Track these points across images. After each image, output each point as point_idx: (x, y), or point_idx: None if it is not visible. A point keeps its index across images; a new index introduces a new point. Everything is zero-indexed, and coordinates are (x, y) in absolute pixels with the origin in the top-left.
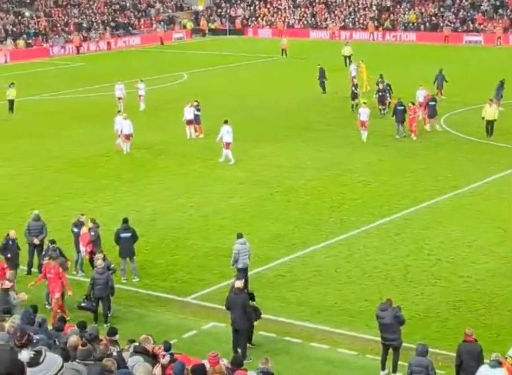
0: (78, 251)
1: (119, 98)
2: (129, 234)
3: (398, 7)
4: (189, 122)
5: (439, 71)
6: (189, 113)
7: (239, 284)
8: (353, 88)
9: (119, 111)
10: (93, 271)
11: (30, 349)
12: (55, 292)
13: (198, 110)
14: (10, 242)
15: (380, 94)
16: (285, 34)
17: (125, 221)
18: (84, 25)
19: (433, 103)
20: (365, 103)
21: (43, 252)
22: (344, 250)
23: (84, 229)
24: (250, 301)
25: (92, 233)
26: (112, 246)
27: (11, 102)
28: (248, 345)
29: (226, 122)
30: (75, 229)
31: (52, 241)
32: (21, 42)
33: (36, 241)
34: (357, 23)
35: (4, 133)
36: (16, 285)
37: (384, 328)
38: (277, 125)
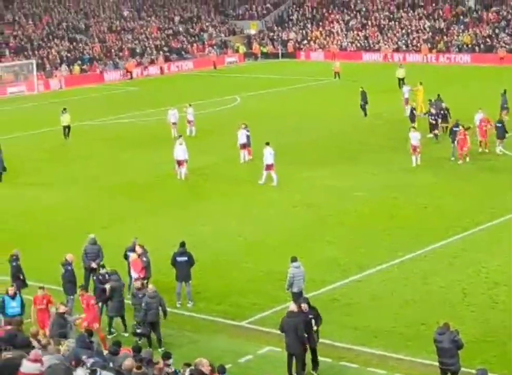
0: (131, 276)
1: (173, 123)
2: (185, 258)
3: (452, 28)
4: (243, 146)
5: (503, 91)
6: (242, 136)
7: (293, 307)
8: (411, 110)
9: (180, 136)
10: (145, 296)
11: (86, 368)
12: (94, 323)
13: (247, 132)
14: (69, 267)
15: (432, 117)
16: (338, 56)
17: (182, 244)
18: (138, 50)
19: (500, 125)
20: (414, 127)
21: (95, 277)
22: (400, 273)
23: (134, 256)
24: (314, 323)
25: (144, 259)
26: (167, 270)
27: (66, 128)
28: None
29: (267, 144)
30: (130, 254)
31: (102, 266)
32: (75, 68)
33: (94, 265)
34: (410, 45)
35: (59, 157)
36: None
37: (442, 353)
38: (330, 147)
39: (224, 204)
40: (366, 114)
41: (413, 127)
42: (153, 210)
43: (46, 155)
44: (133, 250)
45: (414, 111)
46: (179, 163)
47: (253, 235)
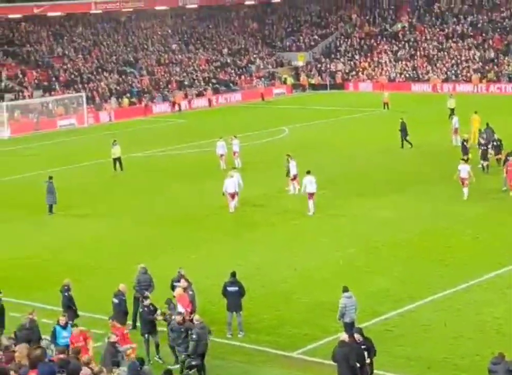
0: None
1: (221, 155)
2: (236, 288)
3: (502, 58)
4: (294, 177)
5: None
6: (293, 168)
7: (344, 336)
8: (463, 142)
9: (234, 168)
10: (194, 328)
11: None
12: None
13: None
14: (122, 297)
15: (483, 148)
16: (387, 87)
17: (233, 274)
18: (186, 82)
19: None
20: (463, 159)
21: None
22: (453, 304)
23: (180, 290)
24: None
25: (190, 292)
26: (218, 300)
27: (117, 160)
28: None
29: (308, 172)
30: (176, 285)
31: (146, 297)
32: (124, 101)
33: (147, 294)
34: (460, 75)
35: (110, 189)
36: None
37: None
38: (380, 178)
39: (274, 235)
40: (403, 146)
41: (463, 159)
42: (203, 241)
43: (97, 187)
44: (178, 281)
45: (465, 143)
46: (231, 195)
47: (303, 266)
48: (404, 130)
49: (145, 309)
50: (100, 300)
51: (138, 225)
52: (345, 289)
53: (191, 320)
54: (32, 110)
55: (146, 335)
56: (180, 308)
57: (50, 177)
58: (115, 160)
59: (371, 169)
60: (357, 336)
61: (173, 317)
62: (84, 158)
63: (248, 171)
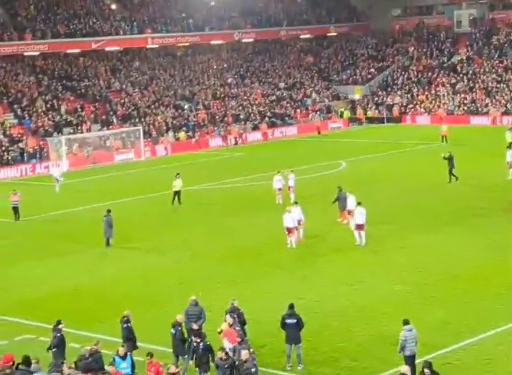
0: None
1: (279, 189)
2: (294, 320)
3: None
4: (350, 212)
5: None
6: (351, 202)
7: (405, 369)
8: None
9: (296, 203)
10: (243, 362)
11: None
12: None
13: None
14: (179, 327)
15: None
16: (445, 120)
17: (291, 306)
18: (241, 116)
19: None
20: None
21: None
22: None
23: (225, 326)
24: None
25: (237, 328)
26: (277, 332)
27: (176, 193)
28: None
29: (359, 203)
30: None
31: (193, 329)
32: (181, 135)
33: (195, 326)
34: None
35: (167, 222)
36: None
37: None
38: (437, 210)
39: (332, 267)
40: (451, 180)
41: None
42: (261, 274)
43: (153, 220)
44: (232, 312)
45: None
46: (289, 231)
47: (362, 299)
48: (451, 164)
49: (193, 341)
50: (159, 332)
51: (195, 258)
52: (406, 322)
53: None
54: (90, 144)
55: (196, 368)
56: (226, 343)
57: (109, 211)
58: (175, 193)
59: (428, 201)
60: (426, 371)
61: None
62: (141, 191)
63: (305, 205)
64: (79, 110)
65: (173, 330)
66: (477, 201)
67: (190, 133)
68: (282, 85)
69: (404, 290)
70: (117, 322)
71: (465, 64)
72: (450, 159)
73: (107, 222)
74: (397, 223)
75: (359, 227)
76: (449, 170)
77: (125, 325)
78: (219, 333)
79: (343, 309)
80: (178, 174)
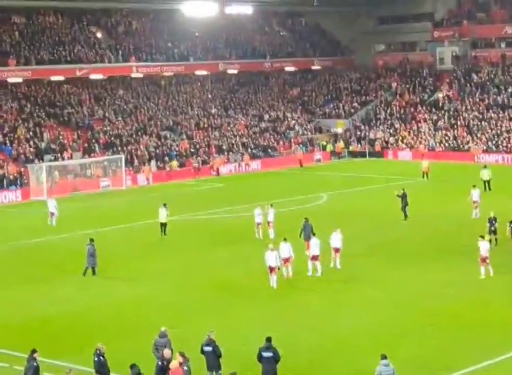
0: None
1: (258, 224)
2: (271, 354)
3: None
4: (337, 250)
5: None
6: (336, 240)
7: None
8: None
9: (285, 239)
10: None
11: None
12: None
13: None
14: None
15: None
16: (426, 156)
17: (268, 340)
18: (224, 147)
19: None
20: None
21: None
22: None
23: (175, 364)
24: None
25: (185, 368)
26: (253, 365)
27: (163, 224)
28: None
29: (314, 234)
30: (205, 348)
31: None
32: (173, 163)
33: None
34: (500, 146)
35: (148, 252)
36: None
37: None
38: (417, 246)
39: (311, 301)
40: (405, 217)
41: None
42: (239, 306)
43: (133, 249)
44: (208, 344)
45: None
46: (271, 269)
47: (339, 333)
48: (404, 201)
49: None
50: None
51: (173, 288)
52: (383, 357)
53: None
54: (71, 171)
55: None
56: None
57: (91, 240)
58: (162, 224)
59: (408, 237)
60: None
61: None
62: (122, 220)
63: (282, 237)
64: (61, 137)
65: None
66: (454, 238)
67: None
68: (265, 116)
69: (379, 324)
70: (91, 352)
71: (447, 101)
72: (403, 197)
73: (90, 250)
74: (375, 257)
75: (314, 257)
76: (402, 206)
77: (97, 359)
78: (168, 369)
79: (319, 342)
80: (164, 204)
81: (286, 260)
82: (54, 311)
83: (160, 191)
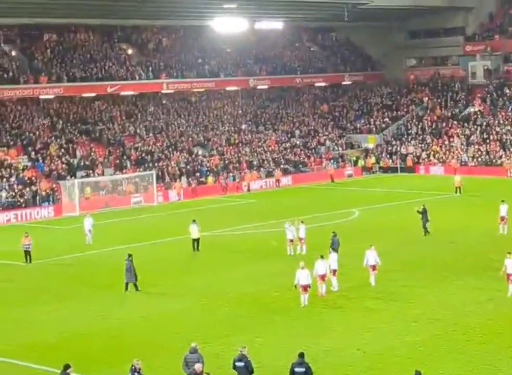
0: None
1: (290, 240)
2: (303, 369)
3: None
4: (373, 268)
5: None
6: (371, 257)
7: None
8: None
9: (322, 256)
10: None
11: None
12: None
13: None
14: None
15: None
16: (459, 171)
17: (301, 355)
18: (255, 163)
19: None
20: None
21: None
22: None
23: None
24: None
25: None
26: None
27: (195, 240)
28: None
29: (334, 250)
30: (237, 364)
31: None
32: (194, 180)
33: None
34: None
35: (179, 268)
36: None
37: None
38: (452, 261)
39: (344, 317)
40: (426, 233)
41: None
42: (271, 322)
43: (166, 265)
44: (240, 360)
45: None
46: (304, 288)
47: (373, 349)
48: (425, 217)
49: None
50: None
51: (205, 305)
52: (417, 373)
53: None
54: (102, 188)
55: None
56: None
57: (130, 255)
58: (193, 240)
59: (442, 252)
60: None
61: None
62: (154, 236)
63: (316, 253)
64: (93, 153)
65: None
66: (486, 254)
67: (203, 179)
68: (296, 132)
69: (415, 341)
70: (126, 368)
71: (479, 116)
72: (424, 213)
73: (128, 266)
74: (410, 272)
75: (333, 272)
76: (422, 223)
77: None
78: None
79: (352, 358)
80: (194, 220)
81: (322, 277)
82: (89, 327)
83: (191, 207)
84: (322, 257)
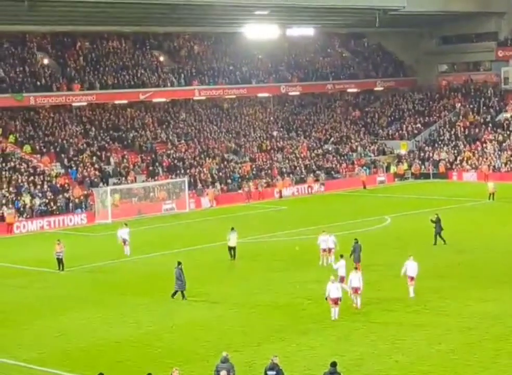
0: None
1: (324, 250)
2: None
3: None
4: (411, 279)
5: None
6: (411, 268)
7: None
8: None
9: (356, 268)
10: None
11: None
12: None
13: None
14: None
15: None
16: (491, 177)
17: (333, 364)
18: (287, 169)
19: None
20: None
21: None
22: None
23: None
24: None
25: None
26: None
27: (231, 248)
28: None
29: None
30: (269, 373)
31: None
32: (226, 187)
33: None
34: None
35: (212, 276)
36: None
37: None
38: (486, 269)
39: (376, 326)
40: (436, 243)
41: None
42: (303, 330)
43: (199, 272)
44: (272, 369)
45: None
46: (334, 301)
47: (405, 358)
48: (438, 226)
49: None
50: None
51: (237, 313)
52: None
53: None
54: (135, 194)
55: None
56: None
57: (179, 263)
58: (230, 248)
59: (477, 259)
60: None
61: None
62: (187, 243)
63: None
64: (126, 160)
65: None
66: None
67: (234, 185)
68: (328, 138)
69: (447, 350)
70: None
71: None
72: (437, 222)
73: (177, 274)
74: (441, 281)
75: (355, 290)
76: (436, 232)
77: None
78: None
79: (385, 367)
80: (232, 228)
81: (356, 290)
82: (121, 335)
83: (223, 214)
84: (356, 269)
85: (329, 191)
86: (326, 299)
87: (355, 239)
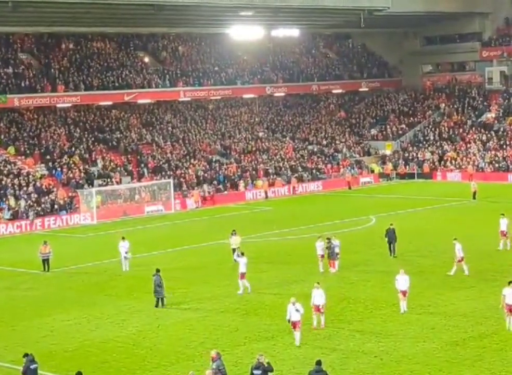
0: None
1: (322, 256)
2: None
3: None
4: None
5: None
6: (402, 282)
7: None
8: None
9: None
10: None
11: None
12: None
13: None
14: None
15: None
16: (475, 177)
17: (318, 363)
18: (272, 170)
19: None
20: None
21: None
22: None
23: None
24: None
25: None
26: None
27: (234, 250)
28: None
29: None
30: (255, 372)
31: None
32: (210, 188)
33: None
34: None
35: (196, 276)
36: None
37: None
38: (470, 268)
39: (360, 325)
40: (392, 254)
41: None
42: (288, 330)
43: (185, 273)
44: (258, 367)
45: None
46: (315, 308)
47: (390, 357)
48: (389, 236)
49: None
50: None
51: (222, 312)
52: None
53: None
54: (120, 196)
55: None
56: None
57: (158, 270)
58: (233, 249)
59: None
60: None
61: None
62: (172, 244)
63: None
64: (111, 162)
65: None
66: (499, 260)
67: (220, 186)
68: (313, 139)
69: (432, 348)
70: None
71: (496, 121)
72: (388, 233)
73: (156, 281)
74: (426, 279)
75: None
76: (388, 242)
77: None
78: None
79: (370, 366)
80: (234, 231)
81: (317, 308)
82: (107, 336)
83: (208, 215)
84: (318, 283)
85: (314, 192)
86: (288, 321)
87: (327, 238)
